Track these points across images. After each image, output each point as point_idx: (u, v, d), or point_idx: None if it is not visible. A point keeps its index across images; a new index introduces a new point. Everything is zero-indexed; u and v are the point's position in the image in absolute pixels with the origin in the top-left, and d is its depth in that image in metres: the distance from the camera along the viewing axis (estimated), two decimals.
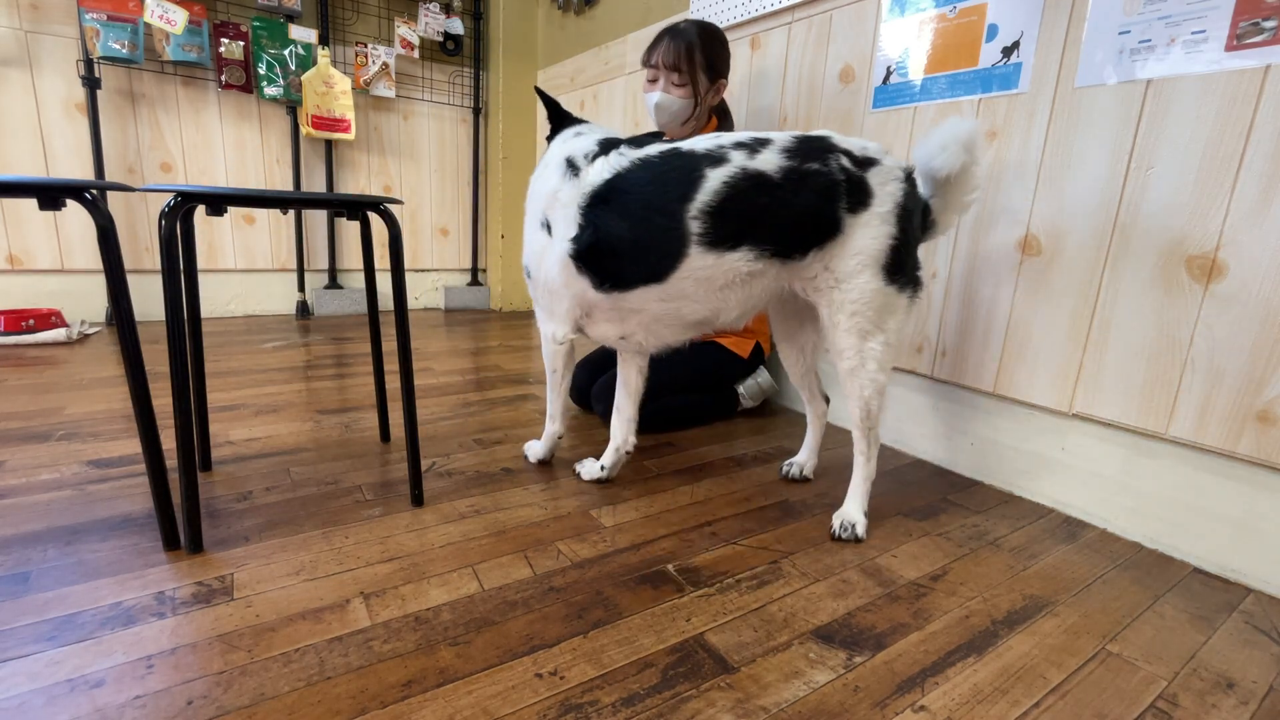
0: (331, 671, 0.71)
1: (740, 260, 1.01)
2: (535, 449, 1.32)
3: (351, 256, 2.96)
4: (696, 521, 1.10)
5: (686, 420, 1.60)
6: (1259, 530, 0.98)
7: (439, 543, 0.99)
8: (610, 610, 0.84)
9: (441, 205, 3.16)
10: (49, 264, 2.33)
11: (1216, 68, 0.97)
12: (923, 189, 1.06)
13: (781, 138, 1.01)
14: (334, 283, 2.91)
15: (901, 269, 1.01)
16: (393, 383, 1.81)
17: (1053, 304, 1.19)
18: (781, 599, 0.89)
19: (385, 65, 2.78)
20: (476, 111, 3.12)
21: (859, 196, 0.98)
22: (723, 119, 1.62)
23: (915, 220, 1.02)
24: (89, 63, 2.23)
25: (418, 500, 1.11)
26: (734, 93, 1.85)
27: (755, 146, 1.00)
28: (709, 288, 1.03)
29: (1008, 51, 1.22)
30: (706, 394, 1.63)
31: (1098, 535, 1.13)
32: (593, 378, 1.64)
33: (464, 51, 3.03)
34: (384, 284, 3.02)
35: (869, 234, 0.99)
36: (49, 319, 2.19)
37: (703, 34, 1.48)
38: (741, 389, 1.69)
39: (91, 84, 2.25)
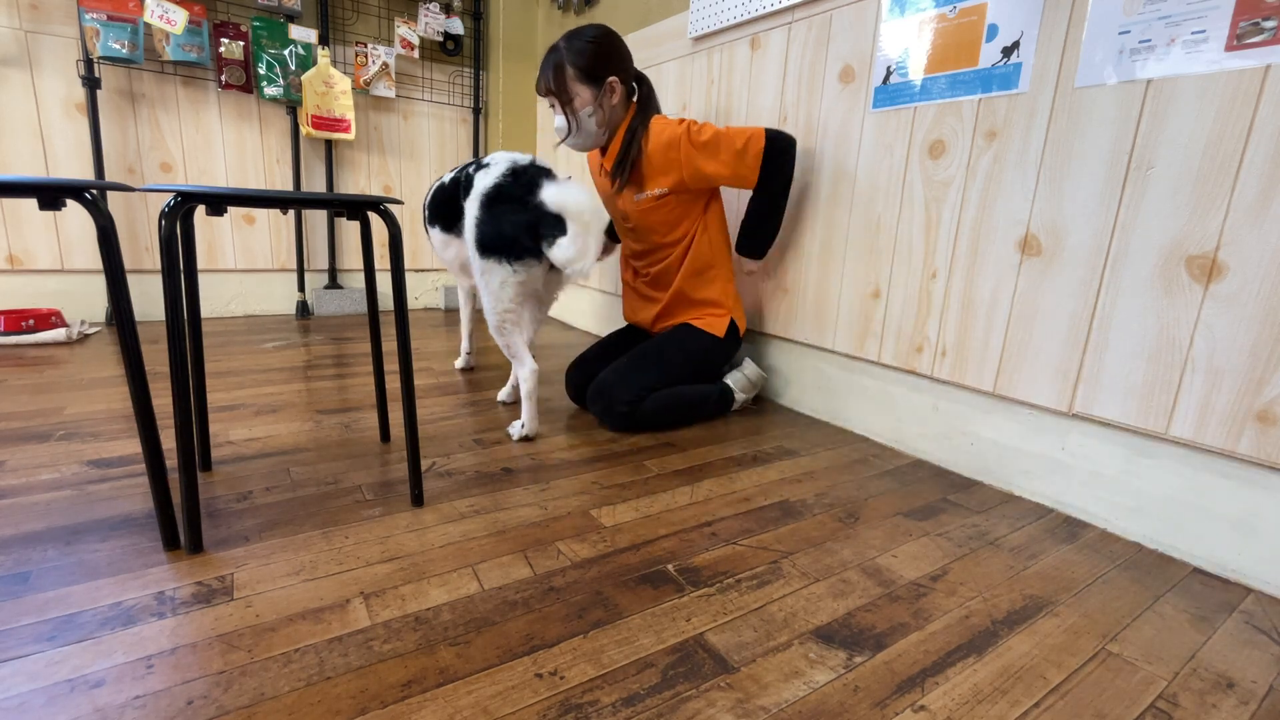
0: (331, 671, 0.71)
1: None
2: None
3: (351, 256, 2.96)
4: (696, 521, 1.10)
5: (685, 410, 1.58)
6: (1259, 530, 0.98)
7: (439, 543, 0.99)
8: (610, 610, 0.84)
9: None
10: (49, 264, 2.33)
11: (1216, 68, 0.97)
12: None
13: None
14: (334, 283, 2.91)
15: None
16: (393, 383, 1.81)
17: (1053, 304, 1.19)
18: (781, 599, 0.89)
19: (385, 65, 2.77)
20: (476, 111, 3.12)
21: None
22: (643, 109, 1.54)
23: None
24: (89, 63, 2.23)
25: (418, 500, 1.11)
26: (734, 92, 1.85)
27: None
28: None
29: (1008, 51, 1.22)
30: (697, 382, 1.62)
31: (1098, 535, 1.13)
32: (587, 378, 1.64)
33: (464, 51, 3.03)
34: (384, 284, 3.02)
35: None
36: (49, 319, 2.19)
37: (570, 47, 1.43)
38: (731, 384, 1.68)
39: (91, 84, 2.25)
